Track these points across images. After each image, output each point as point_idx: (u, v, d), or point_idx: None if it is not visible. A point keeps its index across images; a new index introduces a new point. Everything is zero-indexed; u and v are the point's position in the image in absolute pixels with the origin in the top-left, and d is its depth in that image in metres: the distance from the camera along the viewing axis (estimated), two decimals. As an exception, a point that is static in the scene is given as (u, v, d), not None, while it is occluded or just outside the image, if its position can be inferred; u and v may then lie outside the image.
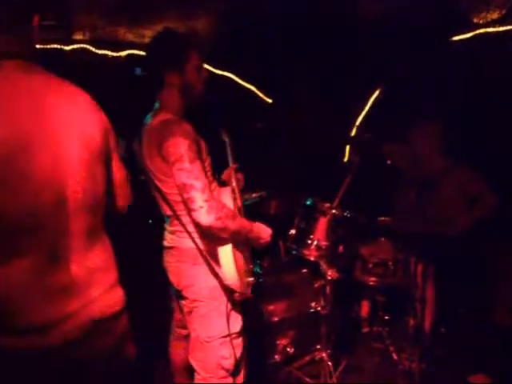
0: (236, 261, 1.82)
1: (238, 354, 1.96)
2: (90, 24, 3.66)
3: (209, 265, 1.90)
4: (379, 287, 3.07)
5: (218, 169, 2.07)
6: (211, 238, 1.82)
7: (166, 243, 2.01)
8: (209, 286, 1.90)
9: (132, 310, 1.43)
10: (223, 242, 1.81)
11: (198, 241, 1.89)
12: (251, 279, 1.99)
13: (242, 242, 1.93)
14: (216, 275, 1.90)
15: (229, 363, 1.92)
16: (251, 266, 2.06)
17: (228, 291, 1.92)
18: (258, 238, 1.98)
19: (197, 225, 1.77)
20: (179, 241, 1.94)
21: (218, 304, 1.92)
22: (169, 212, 1.94)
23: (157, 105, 1.92)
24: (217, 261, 1.84)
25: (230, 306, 1.94)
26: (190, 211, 1.73)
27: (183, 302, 1.98)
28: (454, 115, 3.37)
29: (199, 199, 1.68)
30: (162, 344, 2.26)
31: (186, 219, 1.87)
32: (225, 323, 1.91)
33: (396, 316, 3.14)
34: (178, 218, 1.91)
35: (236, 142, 2.23)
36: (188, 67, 1.87)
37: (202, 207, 1.67)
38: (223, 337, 1.91)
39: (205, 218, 1.68)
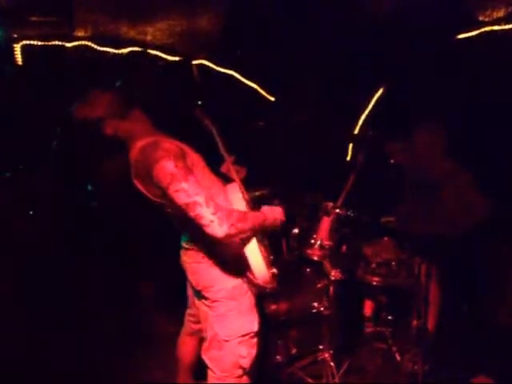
0: (263, 256, 1.82)
1: (254, 353, 1.97)
2: (92, 21, 3.64)
3: (227, 265, 1.90)
4: (382, 287, 3.04)
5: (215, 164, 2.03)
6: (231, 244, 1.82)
7: (184, 245, 2.01)
8: (228, 286, 1.91)
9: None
10: (247, 242, 1.80)
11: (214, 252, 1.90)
12: (274, 270, 1.96)
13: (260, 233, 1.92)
14: (235, 275, 1.91)
15: (246, 362, 1.94)
16: (272, 257, 2.03)
17: (249, 289, 1.94)
18: (275, 221, 1.92)
19: (213, 238, 1.72)
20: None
21: (237, 303, 1.92)
22: (179, 228, 1.97)
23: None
24: (243, 264, 1.84)
25: (249, 305, 1.96)
26: (201, 227, 1.69)
27: (203, 300, 1.98)
28: (458, 115, 3.33)
29: (207, 214, 1.66)
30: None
31: (195, 234, 1.84)
32: (243, 322, 1.93)
33: (399, 316, 3.11)
34: (188, 233, 1.93)
35: (238, 140, 2.20)
36: (103, 112, 1.80)
37: (212, 221, 1.66)
38: (242, 336, 1.92)
39: (219, 229, 1.67)
